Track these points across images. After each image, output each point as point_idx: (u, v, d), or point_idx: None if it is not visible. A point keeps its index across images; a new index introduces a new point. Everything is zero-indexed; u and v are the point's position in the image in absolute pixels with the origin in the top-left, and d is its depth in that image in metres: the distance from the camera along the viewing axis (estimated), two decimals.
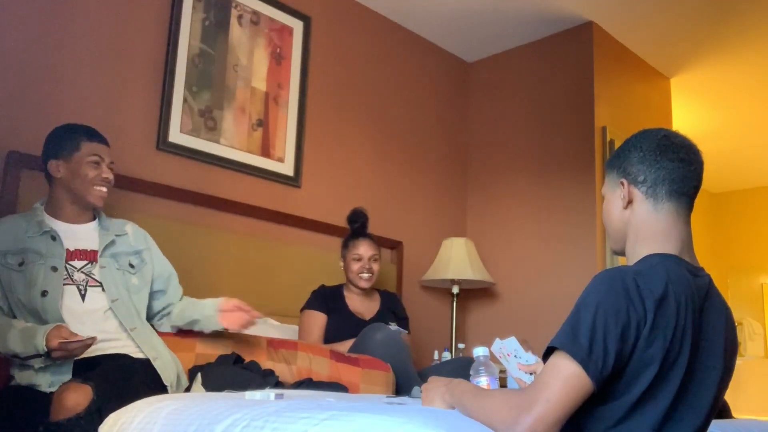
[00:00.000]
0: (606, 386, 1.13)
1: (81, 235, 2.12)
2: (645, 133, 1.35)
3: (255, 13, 3.30)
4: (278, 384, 2.19)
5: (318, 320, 2.86)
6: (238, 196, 3.10)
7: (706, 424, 1.24)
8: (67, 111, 2.61)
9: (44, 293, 1.93)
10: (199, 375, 2.13)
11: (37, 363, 1.85)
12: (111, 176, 2.15)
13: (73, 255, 2.06)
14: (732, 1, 3.66)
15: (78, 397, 1.60)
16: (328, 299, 2.91)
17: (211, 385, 2.06)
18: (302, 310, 2.91)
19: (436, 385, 1.40)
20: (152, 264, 2.26)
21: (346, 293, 2.99)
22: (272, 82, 3.33)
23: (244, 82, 3.22)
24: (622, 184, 1.33)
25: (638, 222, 1.31)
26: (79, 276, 2.04)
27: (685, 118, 5.13)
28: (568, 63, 4.00)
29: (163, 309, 2.31)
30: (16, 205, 2.39)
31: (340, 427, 1.20)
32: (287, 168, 3.32)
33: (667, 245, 1.28)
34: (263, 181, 3.23)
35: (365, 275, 2.93)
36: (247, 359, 2.26)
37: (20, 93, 2.51)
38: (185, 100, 2.97)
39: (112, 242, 2.16)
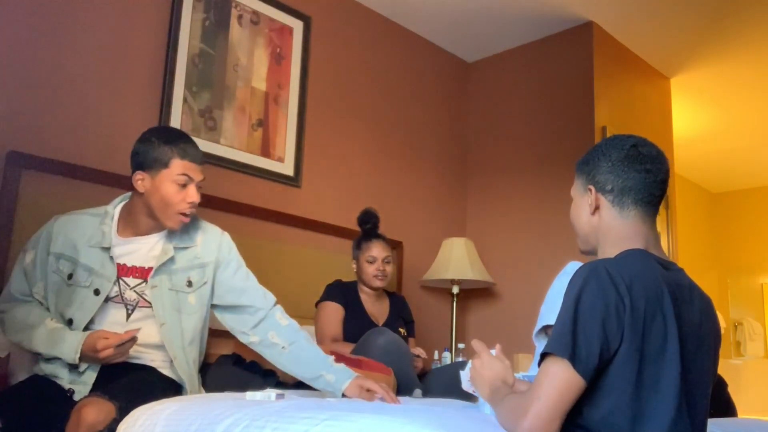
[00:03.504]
0: (601, 379, 1.16)
1: (143, 249, 1.97)
2: (614, 141, 1.39)
3: (255, 13, 3.30)
4: (279, 384, 2.18)
5: (338, 312, 2.84)
6: (238, 196, 3.10)
7: (704, 415, 1.27)
8: (67, 111, 2.61)
9: (70, 321, 1.87)
10: (199, 375, 2.12)
11: (62, 362, 1.83)
12: (197, 198, 1.94)
13: (129, 271, 1.93)
14: (732, 1, 3.66)
15: (100, 415, 1.55)
16: (345, 293, 2.90)
17: (211, 386, 2.06)
18: (318, 303, 2.89)
19: (488, 376, 1.38)
20: (215, 280, 2.03)
21: (360, 293, 2.98)
22: (272, 82, 3.33)
23: (244, 82, 3.22)
24: (590, 190, 1.38)
25: (606, 227, 1.36)
26: (130, 295, 1.92)
27: (685, 118, 5.13)
28: (568, 63, 4.00)
29: (243, 328, 2.03)
30: (16, 205, 2.39)
31: (341, 427, 1.20)
32: (287, 168, 3.32)
33: (633, 244, 1.33)
34: (263, 181, 3.23)
35: (380, 276, 2.91)
36: (248, 359, 2.26)
37: (20, 93, 2.51)
38: (185, 100, 2.97)
39: (171, 259, 1.96)
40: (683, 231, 5.27)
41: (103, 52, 2.75)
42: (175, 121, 2.92)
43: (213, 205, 2.99)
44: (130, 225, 1.97)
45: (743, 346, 6.47)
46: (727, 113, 5.18)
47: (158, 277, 1.94)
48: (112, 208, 2.00)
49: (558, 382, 1.13)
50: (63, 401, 1.70)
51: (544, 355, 1.18)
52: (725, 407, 2.49)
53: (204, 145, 3.01)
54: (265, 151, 3.25)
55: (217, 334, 2.35)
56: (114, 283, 1.91)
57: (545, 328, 2.18)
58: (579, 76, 3.93)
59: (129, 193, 2.01)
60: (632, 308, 1.16)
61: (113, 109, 2.76)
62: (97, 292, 1.89)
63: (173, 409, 1.50)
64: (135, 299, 1.93)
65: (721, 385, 2.57)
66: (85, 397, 1.66)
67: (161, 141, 1.92)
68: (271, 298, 2.10)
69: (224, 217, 3.03)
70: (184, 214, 1.93)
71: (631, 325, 1.16)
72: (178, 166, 1.90)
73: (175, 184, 1.90)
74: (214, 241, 2.06)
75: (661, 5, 3.72)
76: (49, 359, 1.85)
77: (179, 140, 1.94)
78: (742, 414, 2.68)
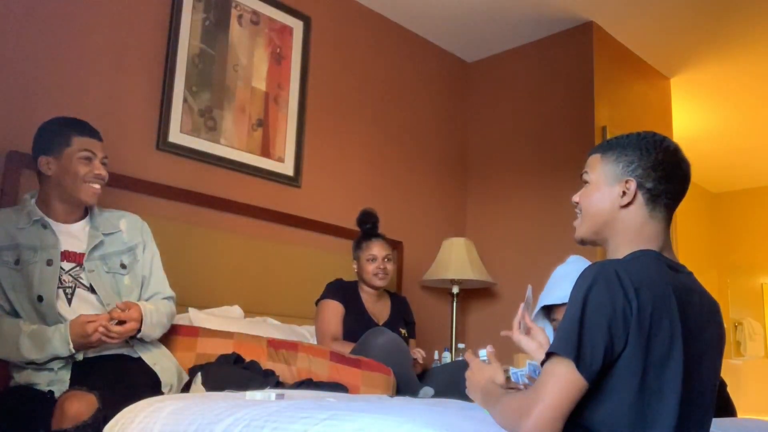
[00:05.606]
0: (604, 381, 1.16)
1: (71, 234, 2.04)
2: (656, 140, 1.35)
3: (255, 13, 3.30)
4: (278, 384, 2.18)
5: (338, 311, 2.84)
6: (238, 196, 3.10)
7: (708, 418, 1.27)
8: (67, 111, 2.59)
9: (40, 298, 1.90)
10: (199, 375, 2.12)
11: (57, 365, 1.85)
12: (104, 172, 2.05)
13: (62, 256, 1.99)
14: (732, 1, 3.66)
15: (81, 406, 1.58)
16: (345, 292, 2.90)
17: (211, 385, 2.06)
18: (318, 301, 2.90)
19: (479, 382, 1.40)
20: (142, 260, 2.15)
21: (360, 292, 2.98)
22: (272, 82, 3.33)
23: (244, 82, 3.22)
24: (628, 183, 1.32)
25: (630, 223, 1.32)
26: (67, 278, 1.98)
27: (685, 118, 5.13)
28: (568, 63, 4.00)
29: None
30: (16, 205, 2.38)
31: (340, 426, 1.20)
32: (287, 168, 3.32)
33: (650, 245, 1.31)
34: (263, 181, 3.22)
35: (380, 275, 2.92)
36: (248, 359, 2.26)
37: (20, 93, 2.51)
38: (185, 100, 2.97)
39: (101, 243, 2.06)
40: (683, 231, 5.27)
41: (103, 52, 2.75)
42: (175, 121, 2.92)
43: (213, 205, 2.99)
44: (48, 214, 2.03)
45: (743, 346, 6.46)
46: (727, 113, 5.18)
47: (93, 261, 2.02)
48: (28, 198, 2.06)
49: (562, 383, 1.12)
50: (45, 403, 1.73)
51: (548, 355, 1.17)
52: (725, 407, 2.49)
53: (204, 145, 3.01)
54: (265, 151, 3.25)
55: (216, 334, 2.35)
56: (59, 252, 1.96)
57: (542, 311, 2.24)
58: (579, 76, 3.93)
59: (35, 190, 2.09)
60: (639, 312, 1.15)
61: (113, 109, 2.76)
62: (50, 263, 1.94)
63: (173, 408, 1.50)
64: (71, 283, 1.98)
65: (721, 385, 2.57)
66: (66, 391, 1.69)
67: (57, 124, 2.05)
68: (170, 293, 2.20)
69: (225, 217, 3.04)
70: (95, 186, 2.03)
71: (637, 329, 1.15)
72: (79, 142, 2.02)
73: (80, 160, 2.01)
74: (136, 226, 2.18)
75: (661, 5, 3.72)
76: (23, 367, 1.87)
77: (74, 121, 2.07)
78: (742, 414, 2.68)
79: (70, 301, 1.97)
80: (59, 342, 1.81)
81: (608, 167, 1.35)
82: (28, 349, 1.82)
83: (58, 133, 2.02)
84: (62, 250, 2.00)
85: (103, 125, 2.68)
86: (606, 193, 1.35)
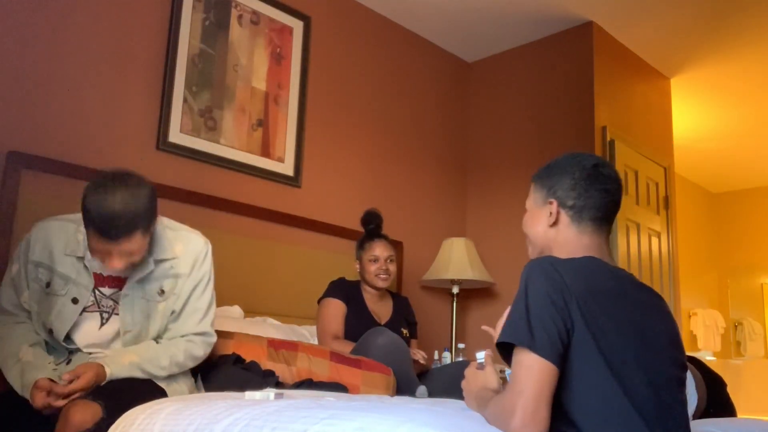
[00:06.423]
0: (568, 369, 1.19)
1: None
2: (577, 159, 1.44)
3: (255, 13, 3.30)
4: (278, 384, 2.18)
5: (339, 309, 2.84)
6: (238, 196, 3.10)
7: (678, 405, 1.28)
8: (67, 111, 2.61)
9: (50, 332, 1.88)
10: (198, 375, 2.12)
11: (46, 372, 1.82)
12: (121, 265, 1.80)
13: (104, 281, 1.92)
14: (732, 1, 3.66)
15: (86, 415, 1.57)
16: (347, 291, 2.90)
17: (210, 385, 2.06)
18: (320, 299, 2.89)
19: (472, 390, 1.43)
20: (179, 292, 1.98)
21: (363, 292, 2.98)
22: (272, 82, 3.33)
23: (244, 82, 3.22)
24: (551, 204, 1.42)
25: (563, 240, 1.42)
26: (106, 302, 1.92)
27: (685, 118, 5.13)
28: (568, 63, 4.00)
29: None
30: (15, 205, 2.39)
31: (340, 426, 1.20)
32: (287, 168, 3.32)
33: (588, 255, 1.38)
34: (263, 181, 3.23)
35: (383, 276, 2.92)
36: (248, 359, 2.26)
37: (20, 93, 2.51)
38: (185, 100, 2.97)
39: (150, 272, 1.93)
40: (683, 231, 5.27)
41: (103, 52, 2.75)
42: (175, 121, 2.92)
43: (213, 205, 2.99)
44: None
45: (743, 346, 6.46)
46: (727, 113, 5.18)
47: (131, 284, 1.92)
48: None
49: (532, 372, 1.16)
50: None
51: (509, 348, 1.21)
52: (724, 407, 2.49)
53: (204, 145, 3.01)
54: (265, 151, 3.25)
55: (216, 334, 2.35)
56: (91, 292, 1.90)
57: None
58: (579, 76, 3.93)
59: None
60: (578, 294, 1.21)
61: (113, 109, 2.76)
62: (75, 301, 1.88)
63: (172, 408, 1.50)
64: (111, 306, 1.93)
65: (720, 385, 2.57)
66: (71, 400, 1.67)
67: (85, 200, 1.73)
68: (198, 329, 2.01)
69: (224, 217, 3.04)
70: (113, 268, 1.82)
71: (578, 309, 1.19)
72: (92, 240, 1.76)
73: (93, 251, 1.80)
74: (192, 255, 2.01)
75: (661, 5, 3.72)
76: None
77: (96, 214, 1.71)
78: (742, 414, 2.68)
79: (102, 326, 1.92)
80: (27, 390, 1.74)
81: (537, 193, 1.49)
82: (12, 377, 1.78)
83: (83, 208, 1.73)
84: (107, 274, 1.92)
85: (103, 125, 2.70)
86: (537, 216, 1.47)
